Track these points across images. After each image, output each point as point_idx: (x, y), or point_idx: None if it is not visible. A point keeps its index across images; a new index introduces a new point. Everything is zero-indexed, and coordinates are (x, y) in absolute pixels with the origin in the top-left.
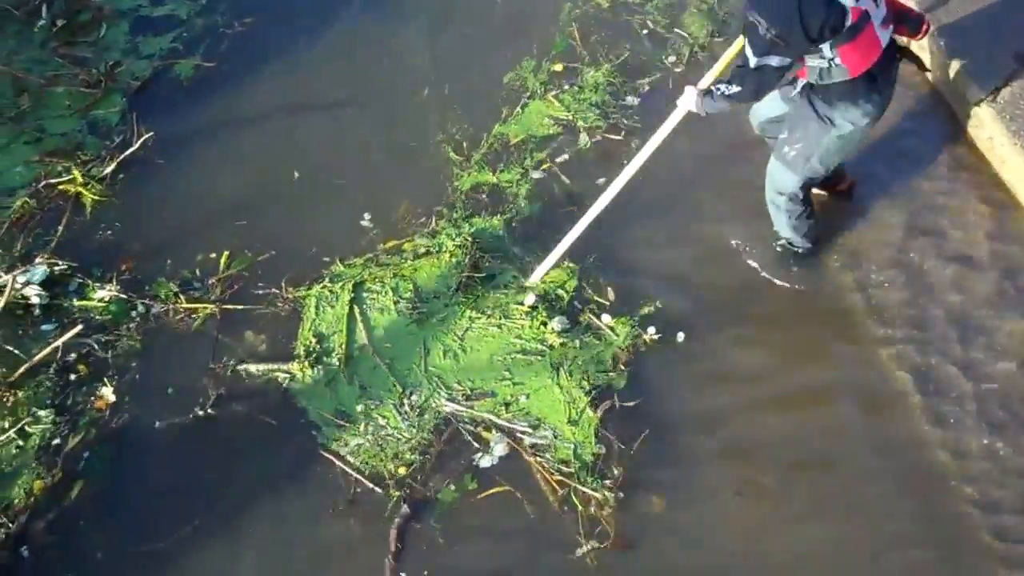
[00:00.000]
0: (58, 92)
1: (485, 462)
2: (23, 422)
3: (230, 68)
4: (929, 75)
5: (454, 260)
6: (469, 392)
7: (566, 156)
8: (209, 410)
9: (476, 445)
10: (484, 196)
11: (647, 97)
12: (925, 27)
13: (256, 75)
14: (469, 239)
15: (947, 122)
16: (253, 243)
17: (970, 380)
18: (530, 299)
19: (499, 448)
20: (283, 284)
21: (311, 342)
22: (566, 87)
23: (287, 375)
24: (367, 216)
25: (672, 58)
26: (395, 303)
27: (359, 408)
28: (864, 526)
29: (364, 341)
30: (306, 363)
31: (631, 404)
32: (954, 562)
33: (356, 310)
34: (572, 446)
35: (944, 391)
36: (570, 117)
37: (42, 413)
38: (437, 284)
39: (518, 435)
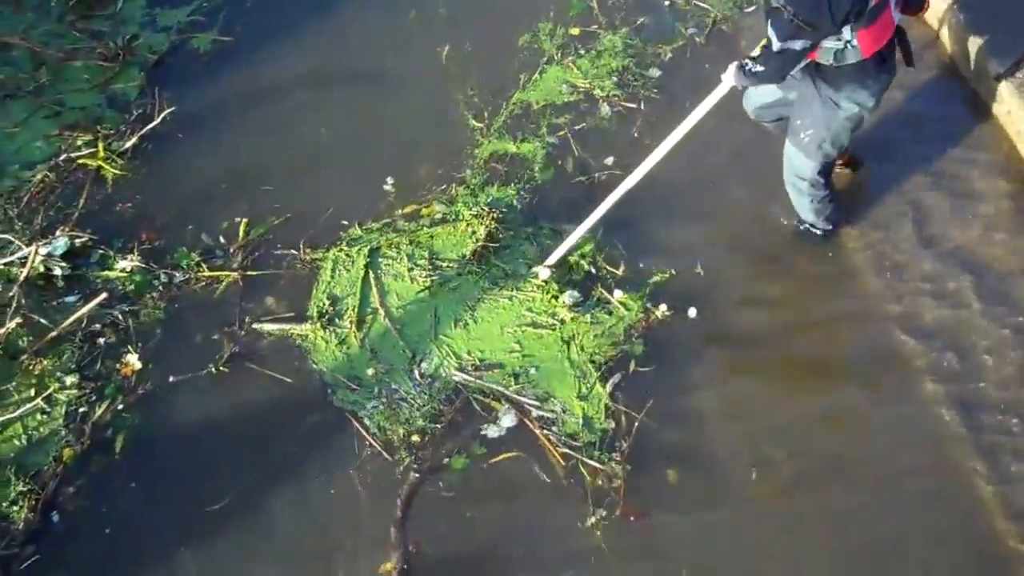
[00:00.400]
0: (76, 66)
1: (492, 432)
2: (50, 390)
3: (248, 41)
4: (947, 48)
5: (470, 229)
6: (478, 363)
7: (584, 126)
8: (223, 367)
9: (485, 416)
10: (502, 166)
11: (668, 69)
12: (926, 4)
13: (274, 47)
14: (485, 209)
15: (966, 97)
16: (273, 210)
17: (992, 355)
18: (544, 273)
19: (507, 419)
20: (301, 245)
21: (324, 304)
22: (583, 52)
23: (300, 336)
24: (390, 181)
25: (693, 28)
26: (409, 270)
27: (369, 372)
28: (883, 492)
29: (377, 306)
30: (318, 325)
31: (644, 372)
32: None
33: (371, 275)
34: (580, 420)
35: (964, 374)
36: (588, 84)
37: (68, 380)
38: (452, 253)
39: (526, 407)
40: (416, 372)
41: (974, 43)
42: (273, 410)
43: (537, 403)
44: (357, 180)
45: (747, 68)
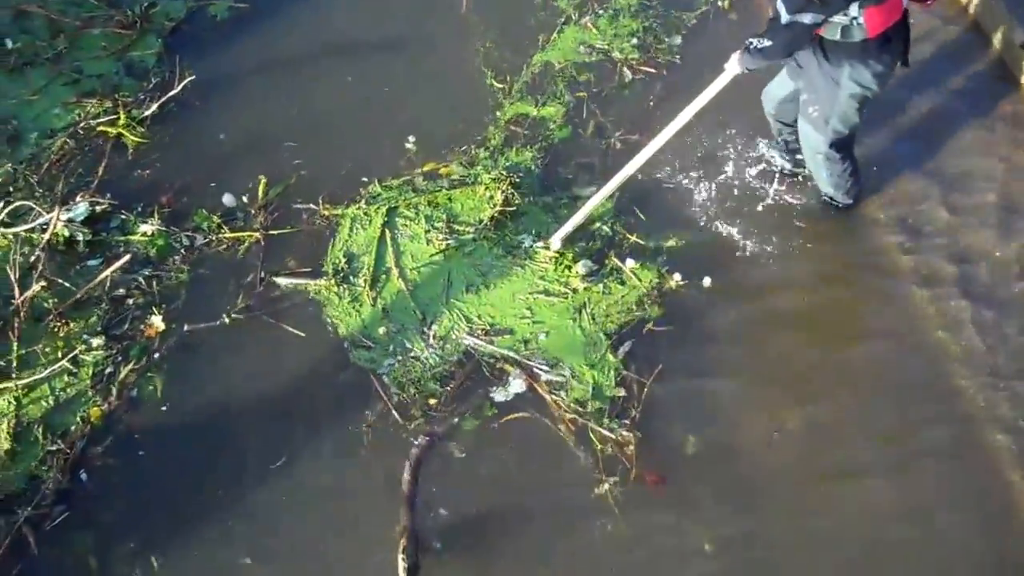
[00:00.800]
0: (94, 34)
1: (501, 396)
2: (76, 351)
3: (264, 6)
4: (973, 15)
5: (488, 194)
6: (488, 327)
7: (604, 90)
8: (242, 323)
9: (495, 379)
10: (523, 128)
11: (691, 36)
12: None
13: (290, 11)
14: (503, 174)
15: (993, 66)
16: (293, 167)
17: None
18: (556, 244)
19: (516, 384)
20: (320, 201)
21: (341, 261)
22: (600, 12)
23: (315, 291)
24: (411, 139)
25: None
26: (426, 231)
27: (381, 331)
28: (901, 447)
29: (391, 265)
30: (333, 281)
31: (657, 338)
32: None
33: (387, 234)
34: (590, 387)
35: (982, 334)
36: (607, 46)
37: (95, 342)
38: (469, 217)
39: (535, 371)
40: (428, 334)
41: (1002, 11)
42: (292, 365)
43: (546, 367)
44: (378, 138)
45: (752, 46)
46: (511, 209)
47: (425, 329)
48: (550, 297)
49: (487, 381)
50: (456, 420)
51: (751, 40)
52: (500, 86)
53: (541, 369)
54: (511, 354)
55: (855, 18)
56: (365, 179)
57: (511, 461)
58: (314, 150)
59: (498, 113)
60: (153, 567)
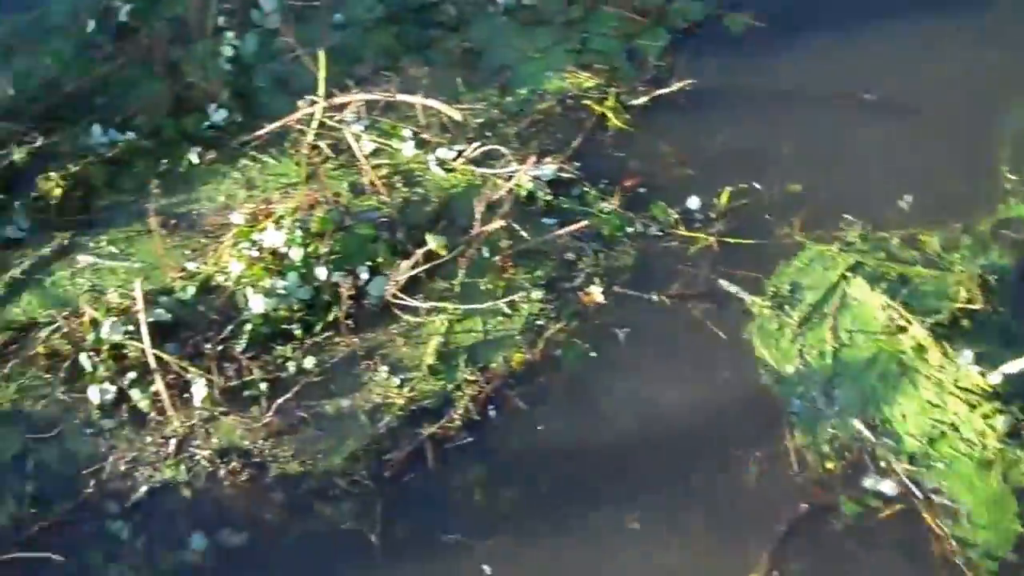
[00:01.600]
0: (608, 12)
1: (885, 488)
2: (515, 297)
3: (779, 30)
4: None
5: (957, 288)
6: (881, 424)
7: None
8: (667, 297)
9: (876, 470)
10: (1017, 234)
11: None
12: None
13: (804, 44)
14: (979, 270)
15: None
16: (768, 186)
17: None
18: (996, 377)
19: (887, 485)
20: (795, 222)
21: (783, 287)
22: None
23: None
24: (907, 198)
25: None
26: (882, 307)
27: (790, 369)
28: None
29: (829, 316)
30: (769, 303)
31: None
32: None
33: (842, 284)
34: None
35: None
36: None
37: (535, 294)
38: (929, 301)
39: (921, 486)
40: (834, 394)
41: None
42: (704, 362)
43: (933, 493)
44: (871, 186)
45: None
46: (973, 308)
47: (830, 388)
48: (956, 433)
49: (869, 470)
50: (839, 498)
51: None
52: (1013, 178)
53: (929, 492)
54: (896, 461)
55: None
56: (846, 219)
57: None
58: (796, 177)
59: (1000, 206)
60: (526, 519)
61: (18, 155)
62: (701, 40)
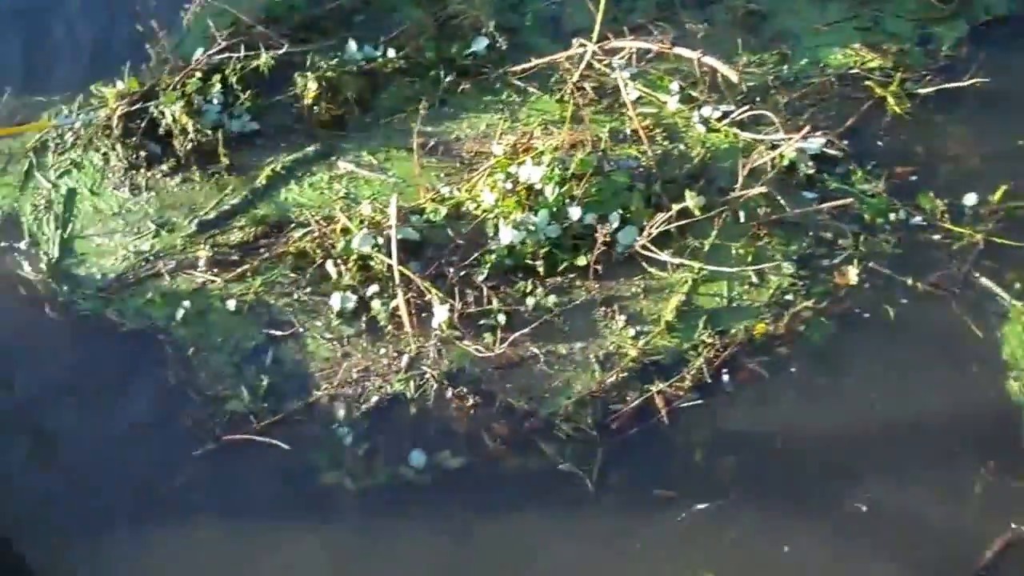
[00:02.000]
0: None
1: None
2: (766, 265)
3: None
4: None
5: None
6: None
7: None
8: (920, 286)
9: None
10: None
11: None
12: None
13: None
14: None
15: None
16: None
17: None
18: None
19: None
20: None
21: None
22: None
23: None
24: None
25: None
26: None
27: None
28: None
29: None
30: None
31: None
32: None
33: None
34: None
35: None
36: None
37: (787, 267)
38: None
39: None
40: None
41: None
42: (953, 366)
43: None
44: None
45: None
46: None
47: None
48: None
49: None
50: None
51: None
52: None
53: None
54: None
55: None
56: None
57: None
58: None
59: None
60: (744, 489)
61: (263, 60)
62: (1002, 37)
